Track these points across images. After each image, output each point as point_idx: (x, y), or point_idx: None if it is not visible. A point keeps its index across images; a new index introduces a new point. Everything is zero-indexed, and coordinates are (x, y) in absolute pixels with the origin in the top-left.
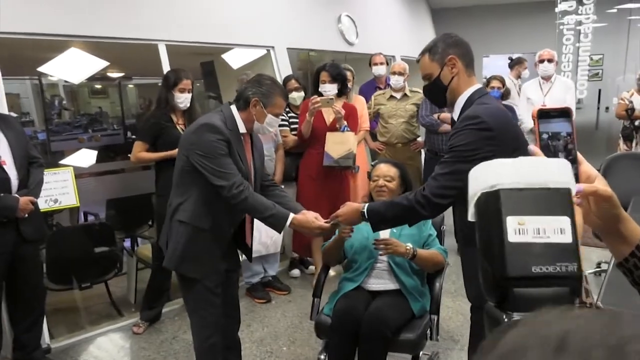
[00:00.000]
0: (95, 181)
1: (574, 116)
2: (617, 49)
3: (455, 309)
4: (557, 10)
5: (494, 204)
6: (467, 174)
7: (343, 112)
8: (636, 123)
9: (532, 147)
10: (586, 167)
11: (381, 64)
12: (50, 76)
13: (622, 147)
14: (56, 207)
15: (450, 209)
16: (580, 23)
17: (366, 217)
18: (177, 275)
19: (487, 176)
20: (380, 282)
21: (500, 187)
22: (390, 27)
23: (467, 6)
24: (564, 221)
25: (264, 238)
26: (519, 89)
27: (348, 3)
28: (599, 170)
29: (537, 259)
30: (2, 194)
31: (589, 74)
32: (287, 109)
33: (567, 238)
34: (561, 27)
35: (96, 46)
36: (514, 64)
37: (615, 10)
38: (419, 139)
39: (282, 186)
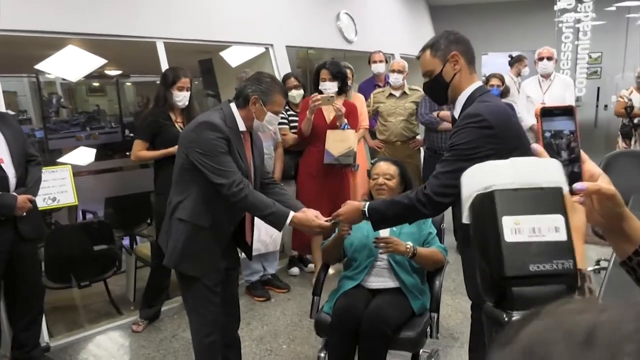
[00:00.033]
0: (93, 179)
1: (577, 114)
2: (615, 46)
3: (454, 306)
4: (556, 8)
5: (489, 205)
6: None
7: (344, 109)
8: (635, 121)
9: (535, 145)
10: (589, 165)
11: (380, 61)
12: (48, 74)
13: (621, 144)
14: (54, 205)
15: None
16: (579, 21)
17: (367, 215)
18: (177, 273)
19: (480, 178)
20: (380, 280)
21: (495, 188)
22: (390, 25)
23: (466, 4)
24: (558, 219)
25: (264, 236)
26: (519, 86)
27: (347, 1)
28: None
29: (533, 258)
30: (0, 193)
31: (587, 72)
32: (287, 107)
33: (562, 236)
34: (560, 25)
35: (94, 44)
36: (514, 61)
37: (614, 8)
38: (418, 137)
39: (282, 184)
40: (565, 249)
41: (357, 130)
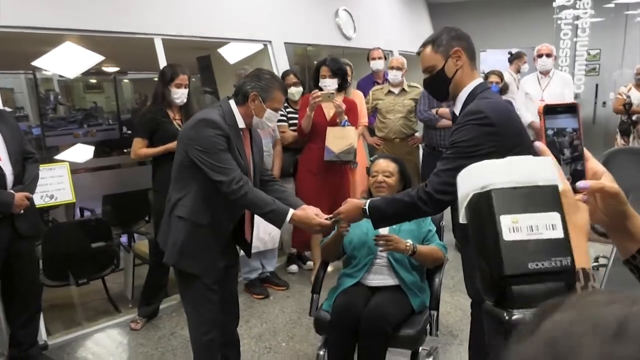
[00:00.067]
0: (91, 177)
1: (581, 112)
2: (614, 43)
3: (453, 304)
4: (554, 4)
5: (487, 204)
6: None
7: (344, 106)
8: (634, 118)
9: (538, 143)
10: (593, 163)
11: (379, 58)
12: (45, 71)
13: (620, 141)
14: (52, 203)
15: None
16: (577, 18)
17: (367, 213)
18: (175, 271)
19: (477, 177)
20: (379, 277)
21: (492, 188)
22: (388, 22)
23: (464, 1)
24: (555, 217)
25: (262, 234)
26: (519, 83)
27: None
28: None
29: (532, 256)
30: None
31: (586, 69)
32: (285, 105)
33: (559, 233)
34: (559, 21)
35: (91, 40)
36: (513, 58)
37: (612, 5)
38: (417, 134)
39: (280, 182)
40: (562, 246)
41: (357, 127)
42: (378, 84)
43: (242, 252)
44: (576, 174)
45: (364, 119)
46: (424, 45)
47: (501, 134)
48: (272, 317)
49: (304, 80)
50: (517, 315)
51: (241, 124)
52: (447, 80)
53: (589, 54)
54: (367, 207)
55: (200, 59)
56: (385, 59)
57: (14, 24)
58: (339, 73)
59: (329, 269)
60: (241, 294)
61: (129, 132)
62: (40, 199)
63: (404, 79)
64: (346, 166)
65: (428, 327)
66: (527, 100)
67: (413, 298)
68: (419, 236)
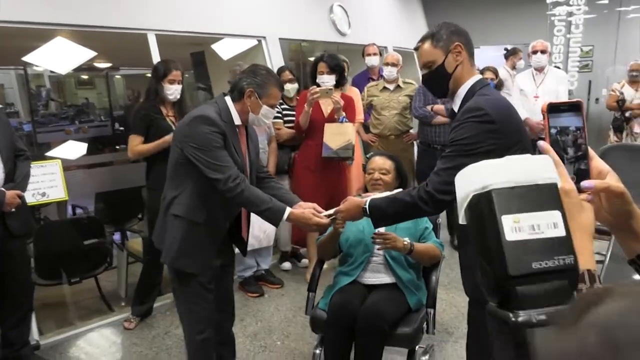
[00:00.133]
0: (83, 174)
1: (584, 110)
2: (607, 40)
3: (449, 301)
4: (548, 1)
5: (488, 205)
6: None
7: (342, 102)
8: (627, 114)
9: (542, 143)
10: (597, 162)
11: (374, 54)
12: (36, 66)
13: (613, 138)
14: (44, 200)
15: None
16: (571, 14)
17: (367, 212)
18: (170, 269)
19: (476, 178)
20: (376, 276)
21: (492, 188)
22: (383, 18)
23: None
24: (556, 215)
25: (257, 232)
26: (514, 79)
27: None
28: None
29: (535, 255)
30: None
31: (579, 65)
32: (281, 102)
33: (561, 231)
34: (552, 18)
35: (83, 35)
36: (509, 54)
37: (605, 2)
38: (412, 131)
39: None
40: (564, 244)
41: (354, 124)
42: (373, 80)
43: (236, 250)
44: (580, 173)
45: (359, 116)
46: (423, 40)
47: (501, 132)
48: (267, 315)
49: (299, 76)
50: (523, 316)
51: (237, 120)
52: (447, 75)
53: (582, 50)
54: (367, 206)
55: (194, 54)
56: (381, 55)
57: (4, 18)
58: (337, 69)
59: (325, 266)
60: (236, 292)
61: (122, 128)
62: (31, 197)
63: (399, 75)
64: (343, 162)
65: (425, 325)
66: (522, 96)
67: (410, 296)
68: (416, 234)
